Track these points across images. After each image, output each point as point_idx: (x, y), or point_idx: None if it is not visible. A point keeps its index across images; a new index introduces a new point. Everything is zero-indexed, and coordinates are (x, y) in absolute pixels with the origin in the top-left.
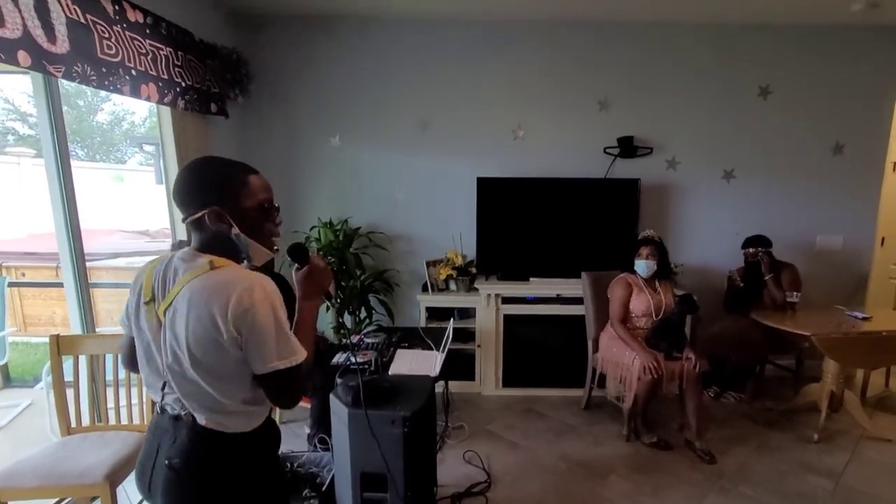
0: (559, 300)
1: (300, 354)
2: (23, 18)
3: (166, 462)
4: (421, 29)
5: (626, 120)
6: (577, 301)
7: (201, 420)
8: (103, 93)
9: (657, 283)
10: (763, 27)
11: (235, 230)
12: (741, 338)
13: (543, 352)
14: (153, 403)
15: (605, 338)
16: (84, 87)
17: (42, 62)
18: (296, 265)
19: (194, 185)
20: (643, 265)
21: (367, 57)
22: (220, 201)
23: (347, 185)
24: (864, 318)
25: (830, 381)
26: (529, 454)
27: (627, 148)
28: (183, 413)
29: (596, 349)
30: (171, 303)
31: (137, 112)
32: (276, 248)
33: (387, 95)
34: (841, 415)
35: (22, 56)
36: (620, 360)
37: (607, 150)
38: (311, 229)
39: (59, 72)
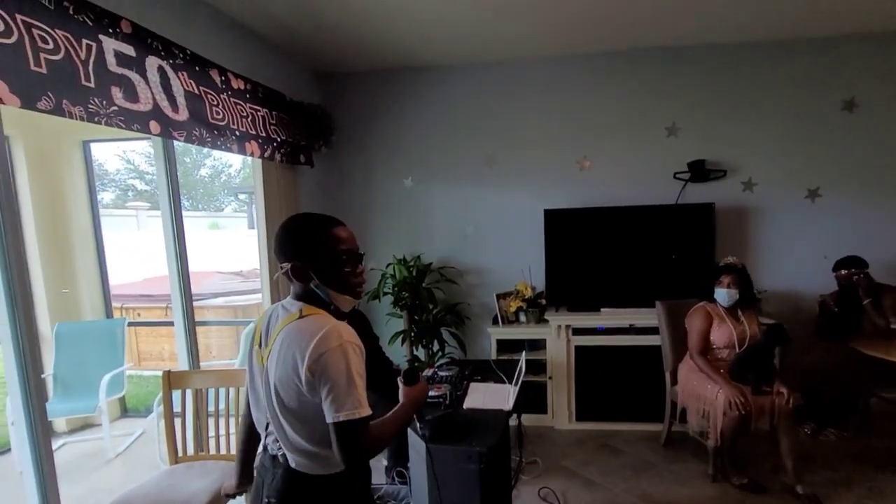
0: (632, 330)
1: (363, 410)
2: (152, 94)
3: (265, 501)
4: (485, 71)
5: (697, 143)
6: (652, 331)
7: (291, 462)
8: (206, 150)
9: (740, 312)
10: (844, 38)
11: (315, 282)
12: (839, 369)
13: (618, 384)
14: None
15: (685, 369)
16: (189, 145)
17: (168, 129)
18: (404, 382)
19: (283, 241)
20: (724, 294)
21: (436, 102)
22: (302, 256)
23: (419, 222)
24: None
25: None
26: (607, 493)
27: (699, 172)
28: (279, 454)
29: (674, 381)
30: (270, 348)
31: (234, 165)
32: (361, 293)
33: (455, 136)
34: None
35: (153, 125)
36: (703, 394)
37: (678, 176)
38: (387, 266)
39: (182, 136)
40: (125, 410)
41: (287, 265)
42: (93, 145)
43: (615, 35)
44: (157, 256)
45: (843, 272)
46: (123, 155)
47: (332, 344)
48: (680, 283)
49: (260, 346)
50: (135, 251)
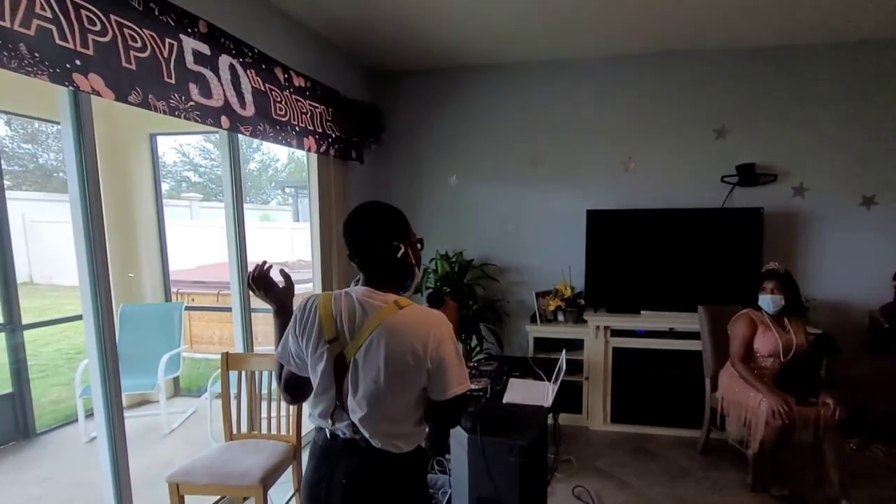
0: (672, 334)
1: (468, 382)
2: (223, 90)
3: (343, 481)
4: (531, 71)
5: (746, 147)
6: (693, 336)
7: (376, 443)
8: (255, 144)
9: (786, 321)
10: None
11: (413, 262)
12: (888, 383)
13: (655, 387)
14: (318, 429)
15: (726, 376)
16: (241, 140)
17: (236, 124)
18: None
19: (383, 227)
20: (768, 300)
21: (481, 101)
22: (404, 238)
23: (463, 220)
24: None
25: None
26: (642, 496)
27: (748, 176)
28: (358, 437)
29: (715, 388)
30: (364, 343)
31: (280, 159)
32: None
33: (500, 135)
34: None
35: (224, 120)
36: (745, 402)
37: (725, 179)
38: (431, 261)
39: (248, 131)
40: (179, 390)
41: (402, 245)
42: (158, 138)
43: (663, 36)
44: (209, 245)
45: None
46: (179, 148)
47: (445, 334)
48: (724, 289)
49: (336, 339)
50: (188, 240)
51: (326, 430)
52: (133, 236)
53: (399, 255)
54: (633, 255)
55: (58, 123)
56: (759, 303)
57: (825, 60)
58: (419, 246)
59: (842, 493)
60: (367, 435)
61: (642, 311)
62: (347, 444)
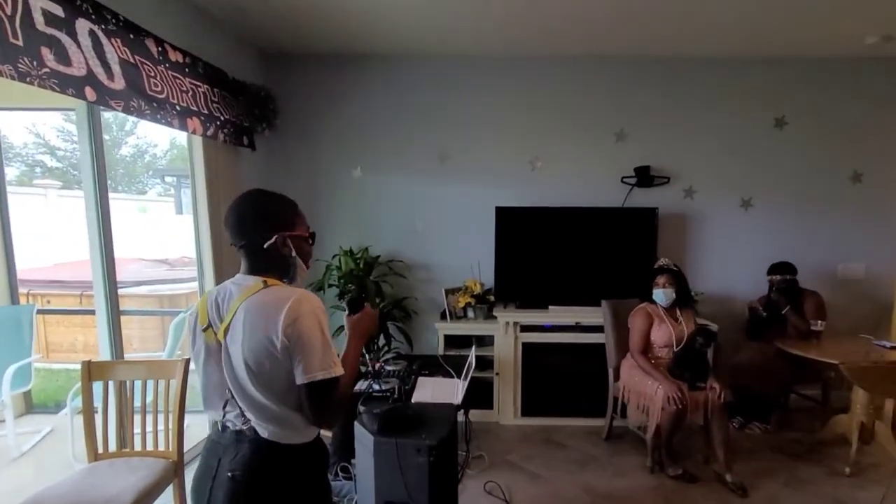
0: (578, 328)
1: (338, 368)
2: (85, 58)
3: (229, 474)
4: (440, 65)
5: (643, 150)
6: (597, 329)
7: (263, 433)
8: (128, 126)
9: (678, 313)
10: (777, 60)
11: (293, 253)
12: (765, 367)
13: (563, 380)
14: (212, 423)
15: (627, 366)
16: (109, 122)
17: (105, 97)
18: (348, 312)
19: (259, 215)
20: (661, 294)
21: (388, 92)
22: (284, 229)
23: (368, 214)
24: (893, 347)
25: (860, 412)
26: (551, 486)
27: (644, 177)
28: (245, 427)
29: (617, 378)
30: (230, 323)
31: (160, 145)
32: (309, 268)
33: (407, 128)
34: (872, 447)
35: (89, 91)
36: (643, 390)
37: (625, 180)
38: (333, 258)
39: (120, 106)
40: (31, 406)
41: (276, 235)
42: (0, 114)
43: (572, 41)
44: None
45: (776, 277)
46: (33, 128)
47: (304, 309)
48: (624, 284)
49: (209, 326)
50: (43, 233)
51: (218, 423)
52: None
53: (266, 245)
54: (540, 251)
55: None
56: (653, 296)
57: (716, 74)
58: (309, 239)
59: (727, 469)
60: (254, 423)
61: (550, 307)
62: (235, 436)
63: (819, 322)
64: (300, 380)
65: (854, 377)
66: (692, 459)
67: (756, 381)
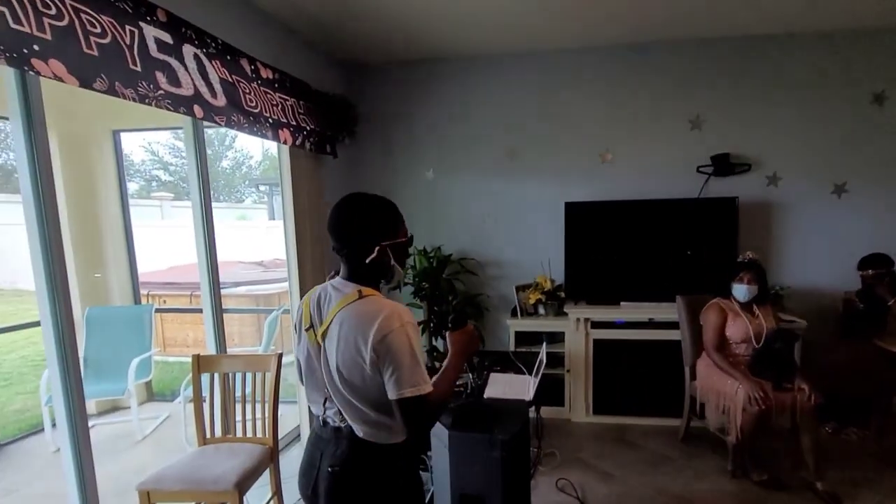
0: (652, 325)
1: (426, 386)
2: (192, 79)
3: (329, 469)
4: (506, 63)
5: (721, 137)
6: (672, 326)
7: (359, 432)
8: (227, 141)
9: (755, 308)
10: (872, 31)
11: (393, 261)
12: (863, 367)
13: (636, 378)
14: (314, 416)
15: (704, 364)
16: (212, 137)
17: (210, 113)
18: (451, 328)
19: (360, 223)
20: (744, 290)
21: (458, 94)
22: (385, 236)
23: (440, 214)
24: None
25: None
26: (624, 486)
27: (723, 166)
28: (343, 425)
29: (693, 376)
30: (328, 328)
31: (254, 157)
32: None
33: (477, 128)
34: None
35: (196, 109)
36: (722, 389)
37: (701, 170)
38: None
39: (223, 121)
40: (152, 394)
41: (377, 248)
42: (122, 135)
43: (639, 28)
44: (182, 246)
45: (869, 272)
46: (148, 146)
47: (394, 325)
48: (701, 278)
49: (311, 327)
50: (159, 240)
51: (320, 417)
52: (98, 237)
53: (368, 259)
54: (611, 246)
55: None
56: (734, 292)
57: (798, 51)
58: (408, 242)
59: (817, 476)
60: (350, 423)
61: (622, 303)
62: (334, 432)
63: None
64: (391, 395)
65: None
66: (779, 465)
67: (852, 382)
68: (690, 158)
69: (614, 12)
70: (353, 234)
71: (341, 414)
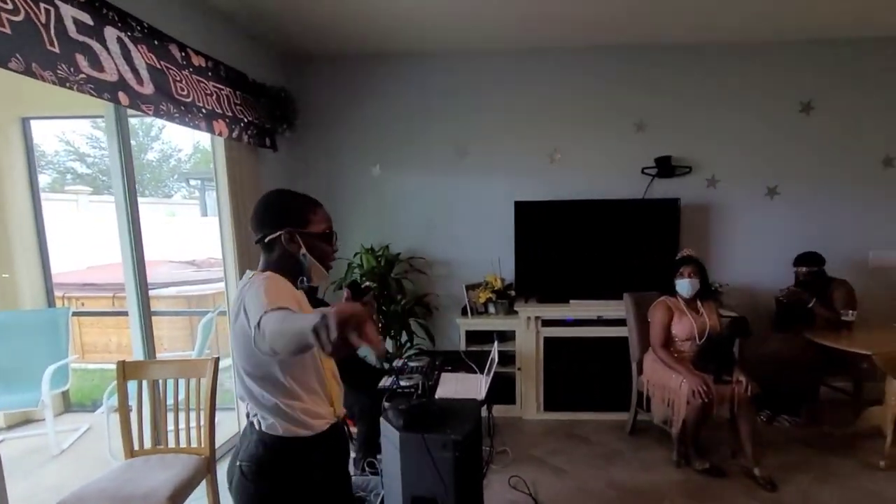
0: (600, 322)
1: (270, 307)
2: (115, 64)
3: (238, 464)
4: (456, 60)
5: (664, 140)
6: (619, 323)
7: (263, 425)
8: (153, 132)
9: (699, 304)
10: (801, 43)
11: (303, 250)
12: (793, 359)
13: (585, 375)
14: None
15: (650, 360)
16: (136, 128)
17: (137, 101)
18: (348, 292)
19: (270, 211)
20: (686, 284)
21: (406, 89)
22: (293, 225)
23: (388, 212)
24: None
25: (895, 403)
26: (576, 480)
27: (665, 167)
28: (255, 419)
29: (640, 371)
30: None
31: (184, 149)
32: (330, 269)
33: (425, 125)
34: None
35: (122, 96)
36: (667, 384)
37: (645, 171)
38: (354, 256)
39: (150, 110)
40: (69, 405)
41: (281, 231)
42: (33, 123)
43: (589, 31)
44: (102, 244)
45: (803, 269)
46: (62, 136)
47: (255, 281)
48: (647, 276)
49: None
50: (76, 238)
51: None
52: (4, 234)
53: (267, 239)
54: (561, 245)
55: None
56: (677, 287)
57: (737, 60)
58: (326, 238)
59: (755, 463)
60: (256, 414)
61: (571, 301)
62: (249, 426)
63: (850, 312)
64: (252, 335)
65: (888, 367)
66: (719, 454)
67: (784, 373)
68: (636, 160)
69: (557, 12)
70: (263, 222)
71: (253, 406)
